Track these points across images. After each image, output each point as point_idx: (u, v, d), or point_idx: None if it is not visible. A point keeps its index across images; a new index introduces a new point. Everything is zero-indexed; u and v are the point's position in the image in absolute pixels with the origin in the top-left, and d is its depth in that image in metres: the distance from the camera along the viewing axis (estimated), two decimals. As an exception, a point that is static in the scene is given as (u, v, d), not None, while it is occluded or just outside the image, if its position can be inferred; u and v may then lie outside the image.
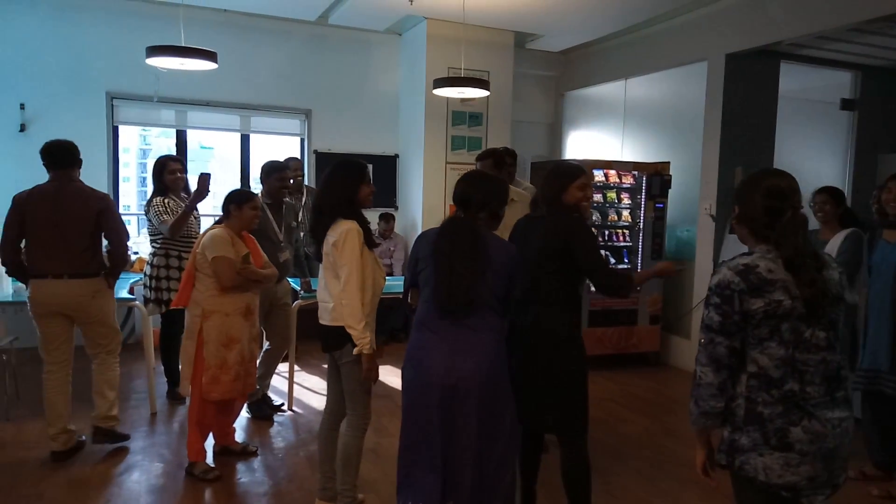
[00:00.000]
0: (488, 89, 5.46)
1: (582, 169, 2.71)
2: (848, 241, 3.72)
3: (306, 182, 6.87)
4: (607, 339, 5.92)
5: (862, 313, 3.62)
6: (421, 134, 6.62)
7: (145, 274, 4.47)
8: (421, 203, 6.71)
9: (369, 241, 2.78)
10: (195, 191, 4.10)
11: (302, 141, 7.05)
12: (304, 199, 5.56)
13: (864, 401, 3.54)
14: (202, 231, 4.42)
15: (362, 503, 3.10)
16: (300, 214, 5.50)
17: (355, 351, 2.69)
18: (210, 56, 4.41)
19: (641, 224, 6.12)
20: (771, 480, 1.72)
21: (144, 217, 4.56)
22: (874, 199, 3.55)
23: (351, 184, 2.78)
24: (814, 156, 6.77)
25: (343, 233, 2.70)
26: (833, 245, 3.77)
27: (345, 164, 2.87)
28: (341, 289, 2.70)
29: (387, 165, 7.14)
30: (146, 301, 4.42)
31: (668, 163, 6.14)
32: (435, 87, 5.42)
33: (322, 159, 6.83)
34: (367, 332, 2.69)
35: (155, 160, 4.53)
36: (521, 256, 2.53)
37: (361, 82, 7.06)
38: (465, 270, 2.38)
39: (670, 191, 6.10)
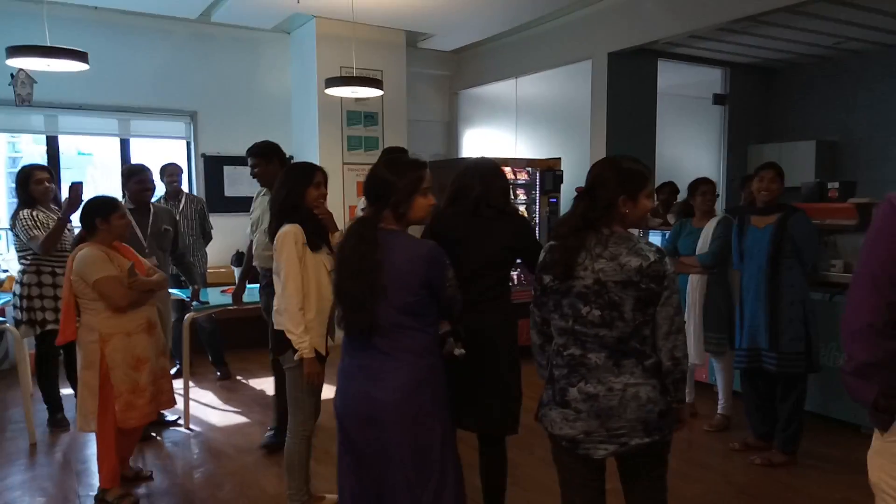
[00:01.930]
0: (382, 88, 5.42)
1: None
2: (721, 226, 3.98)
3: (194, 187, 6.61)
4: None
5: (737, 294, 3.87)
6: (315, 135, 6.49)
7: (15, 294, 4.10)
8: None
9: (314, 243, 2.76)
10: (67, 201, 3.81)
11: (188, 144, 6.72)
12: (181, 206, 5.31)
13: (744, 377, 3.79)
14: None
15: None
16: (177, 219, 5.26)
17: (296, 356, 2.70)
18: (80, 56, 4.10)
19: (537, 219, 6.28)
20: (554, 432, 2.01)
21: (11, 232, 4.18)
22: (744, 187, 3.83)
23: (296, 187, 2.80)
24: (692, 148, 7.21)
25: (280, 236, 2.72)
26: (708, 230, 4.03)
27: (291, 168, 2.95)
28: (279, 293, 2.73)
29: (281, 168, 6.93)
30: (18, 323, 4.05)
31: (560, 158, 6.34)
32: (327, 87, 5.32)
33: (210, 163, 6.55)
34: (307, 336, 2.68)
35: (19, 170, 4.17)
36: (443, 252, 2.17)
37: (250, 82, 6.82)
38: (357, 290, 2.06)
39: (563, 185, 6.31)
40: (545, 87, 7.07)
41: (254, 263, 3.77)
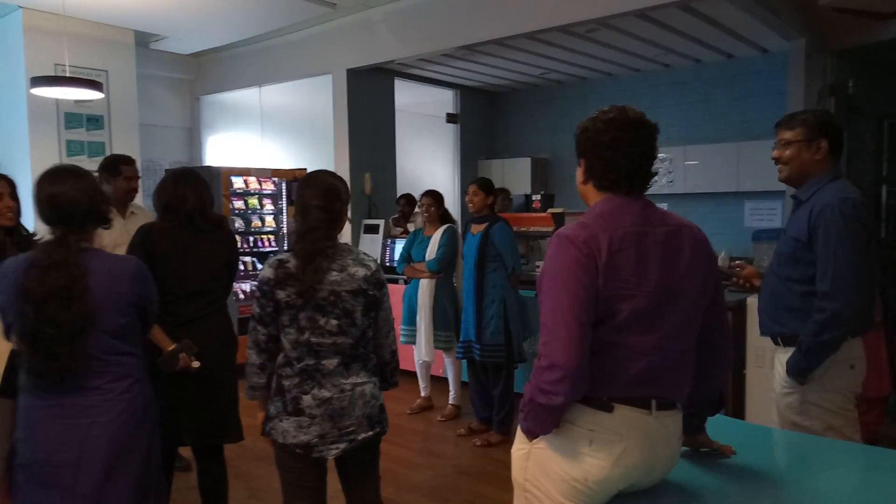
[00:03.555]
0: (101, 90, 5.00)
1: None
2: (445, 235, 4.40)
3: None
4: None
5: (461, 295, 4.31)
6: (25, 139, 5.75)
7: None
8: (31, 219, 5.82)
9: None
10: None
11: None
12: None
13: (468, 369, 4.23)
14: None
15: None
16: None
17: None
18: None
19: (286, 229, 6.29)
20: (287, 441, 2.05)
21: None
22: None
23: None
24: (430, 162, 7.78)
25: None
26: (435, 239, 4.42)
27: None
28: None
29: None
30: None
31: (305, 169, 6.42)
32: (33, 87, 4.78)
33: None
34: None
35: None
36: (145, 265, 2.06)
37: (-63, 76, 5.82)
38: (55, 329, 1.80)
39: (308, 196, 6.38)
40: (290, 98, 7.10)
41: None
